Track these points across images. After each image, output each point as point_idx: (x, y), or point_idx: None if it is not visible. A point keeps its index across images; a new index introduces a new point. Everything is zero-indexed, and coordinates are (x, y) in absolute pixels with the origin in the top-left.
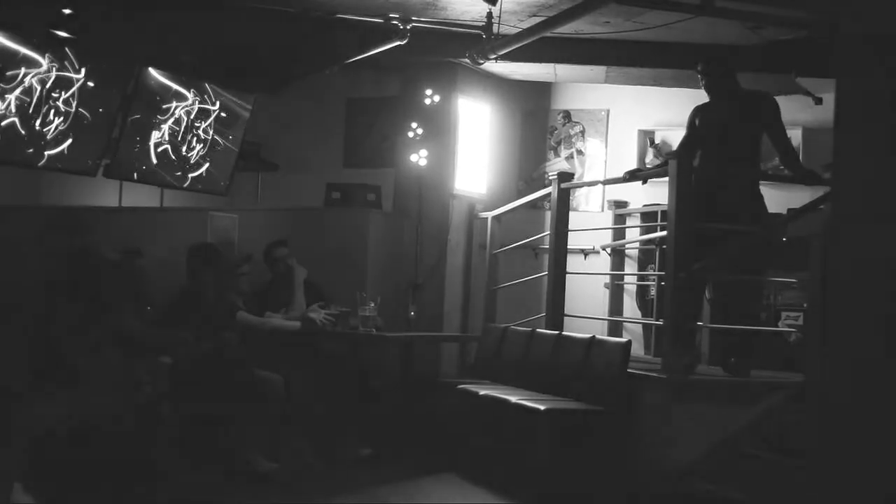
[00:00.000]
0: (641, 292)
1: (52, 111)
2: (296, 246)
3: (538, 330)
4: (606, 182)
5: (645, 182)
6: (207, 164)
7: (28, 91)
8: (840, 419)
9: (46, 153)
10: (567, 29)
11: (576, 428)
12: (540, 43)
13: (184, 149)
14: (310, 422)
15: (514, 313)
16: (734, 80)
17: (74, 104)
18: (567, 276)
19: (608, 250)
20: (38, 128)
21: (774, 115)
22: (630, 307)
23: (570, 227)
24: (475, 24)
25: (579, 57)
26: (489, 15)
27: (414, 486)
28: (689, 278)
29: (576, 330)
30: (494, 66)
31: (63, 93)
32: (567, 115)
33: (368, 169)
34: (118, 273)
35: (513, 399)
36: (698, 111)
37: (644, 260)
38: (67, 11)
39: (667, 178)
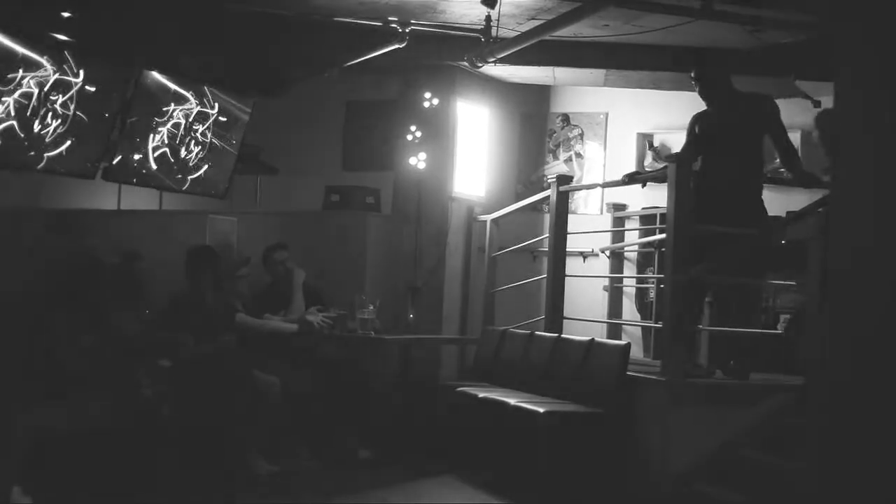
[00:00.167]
0: (640, 295)
1: (51, 114)
2: (295, 249)
3: (537, 332)
4: (605, 185)
5: (644, 185)
6: (206, 167)
7: (27, 94)
8: (839, 420)
9: (45, 156)
10: (566, 32)
11: (575, 431)
12: (539, 46)
13: (183, 152)
14: (308, 424)
15: (513, 316)
16: (729, 84)
17: (73, 107)
18: (566, 278)
19: (607, 253)
20: (36, 131)
21: (775, 117)
22: (629, 310)
23: (568, 229)
24: (474, 27)
25: (578, 60)
26: (488, 18)
27: (413, 488)
28: (688, 281)
29: (575, 332)
30: (493, 70)
31: (62, 96)
32: (566, 118)
33: (367, 172)
34: (117, 276)
35: (512, 402)
36: (698, 118)
37: (643, 262)
38: (66, 14)
39: (665, 181)
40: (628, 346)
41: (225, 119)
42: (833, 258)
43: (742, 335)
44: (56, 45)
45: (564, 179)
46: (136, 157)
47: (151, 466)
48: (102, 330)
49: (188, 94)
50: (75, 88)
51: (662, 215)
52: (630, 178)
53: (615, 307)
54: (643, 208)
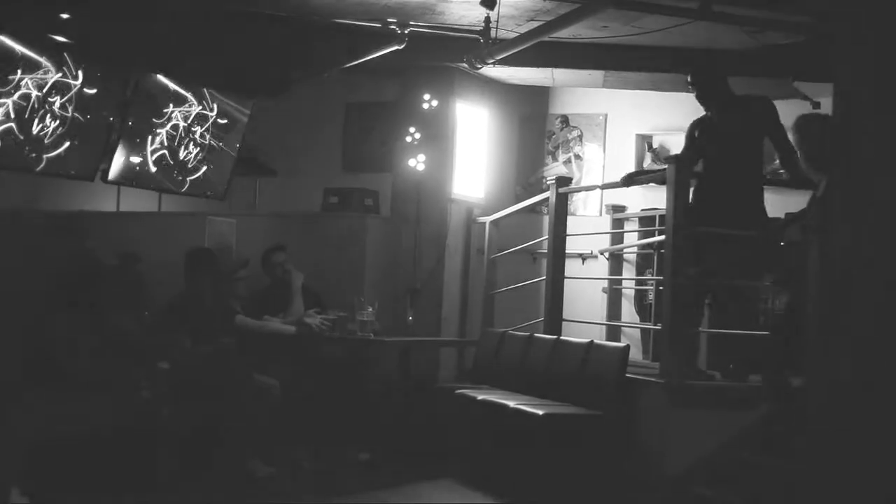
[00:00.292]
0: (639, 297)
1: (50, 116)
2: (294, 251)
3: (536, 334)
4: (604, 186)
5: (644, 184)
6: (205, 169)
7: (25, 96)
8: (839, 423)
9: (44, 158)
10: (565, 33)
11: (574, 433)
12: (538, 47)
13: (182, 154)
14: (308, 426)
15: (512, 318)
16: (726, 89)
17: (72, 109)
18: (565, 280)
19: (606, 255)
20: (35, 133)
21: (774, 119)
22: (628, 311)
23: (568, 231)
24: (473, 28)
25: (577, 61)
26: (487, 19)
27: (412, 490)
28: (687, 283)
29: (574, 334)
30: (492, 71)
31: (61, 98)
32: (565, 119)
33: (366, 173)
34: (116, 278)
35: (511, 404)
36: (697, 124)
37: (642, 264)
38: (66, 16)
39: (664, 183)
40: (627, 348)
41: (224, 121)
42: (832, 259)
43: (740, 337)
44: (55, 47)
45: (564, 181)
46: (135, 158)
47: (150, 468)
48: (102, 331)
49: (187, 96)
50: (74, 90)
51: (661, 217)
52: (629, 179)
53: (614, 309)
54: (642, 210)
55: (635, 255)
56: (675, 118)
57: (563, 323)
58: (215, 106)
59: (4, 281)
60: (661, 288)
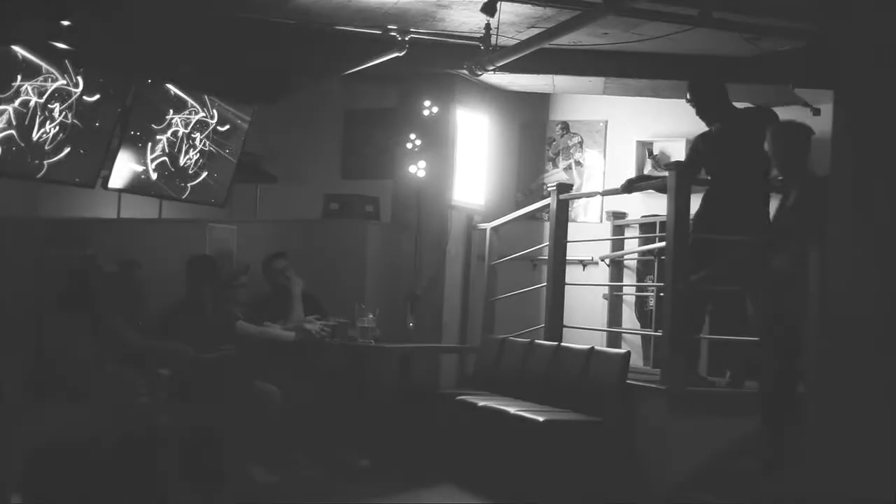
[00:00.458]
0: (640, 303)
1: (50, 123)
2: (294, 257)
3: (537, 341)
4: (605, 193)
5: (644, 190)
6: (206, 176)
7: (26, 102)
8: (838, 425)
9: (45, 165)
10: (565, 40)
11: (574, 439)
12: (538, 54)
13: (182, 160)
14: (308, 433)
15: (512, 324)
16: (727, 103)
17: (72, 116)
18: (566, 286)
19: (607, 261)
20: (36, 140)
21: None
22: (629, 318)
23: (568, 237)
24: (473, 35)
25: (578, 68)
26: (487, 26)
27: (412, 496)
28: (688, 289)
29: (574, 341)
30: (493, 78)
31: (61, 104)
32: (565, 126)
33: (367, 180)
34: (116, 284)
35: (511, 410)
36: (701, 139)
37: (643, 271)
38: (66, 23)
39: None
40: (628, 354)
41: (224, 127)
42: (829, 263)
43: (738, 343)
44: (56, 54)
45: (564, 188)
46: (136, 165)
47: (150, 474)
48: (101, 338)
49: (188, 102)
50: (75, 97)
51: (662, 223)
52: (629, 186)
53: (615, 315)
54: (643, 216)
55: (636, 261)
56: (676, 125)
57: (564, 329)
58: (216, 112)
59: (5, 288)
60: (661, 294)
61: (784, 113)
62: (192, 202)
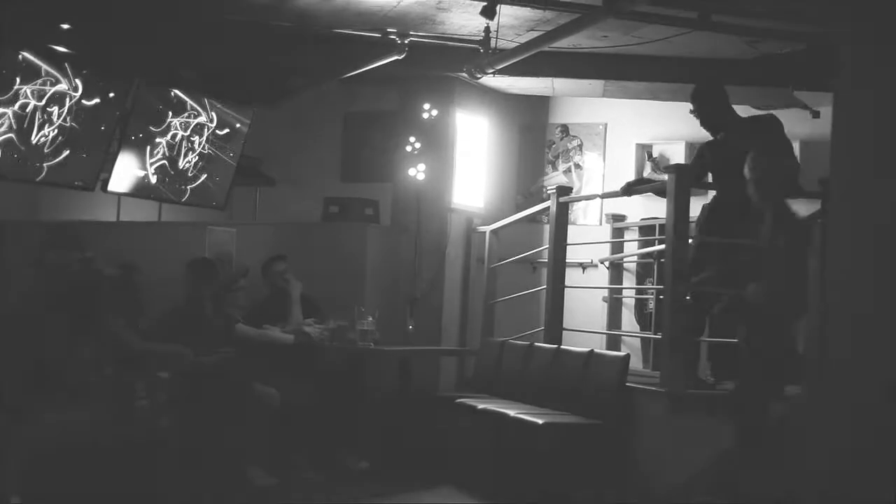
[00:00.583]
0: (640, 306)
1: (50, 126)
2: (294, 260)
3: (536, 344)
4: (605, 196)
5: (644, 193)
6: (205, 179)
7: (25, 106)
8: (838, 427)
9: (45, 168)
10: (565, 43)
11: (574, 441)
12: (538, 57)
13: (182, 163)
14: (308, 435)
15: (512, 327)
16: (731, 113)
17: (72, 119)
18: (565, 289)
19: (606, 264)
20: (35, 143)
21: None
22: (628, 321)
23: (568, 240)
24: (473, 38)
25: (577, 71)
26: (487, 29)
27: (412, 499)
28: (688, 292)
29: (574, 344)
30: (492, 81)
31: (61, 108)
32: (565, 128)
33: (366, 183)
34: (116, 288)
35: (511, 413)
36: (707, 148)
37: (642, 273)
38: (66, 26)
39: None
40: (627, 357)
41: (224, 130)
42: (832, 262)
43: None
44: (55, 57)
45: (564, 190)
46: (135, 168)
47: (149, 477)
48: (101, 341)
49: (187, 106)
50: (74, 100)
51: (661, 226)
52: (628, 189)
53: (614, 318)
54: (642, 219)
55: (635, 264)
56: (675, 128)
57: (564, 332)
58: (215, 115)
59: (4, 291)
60: (661, 297)
61: (783, 116)
62: (192, 205)
